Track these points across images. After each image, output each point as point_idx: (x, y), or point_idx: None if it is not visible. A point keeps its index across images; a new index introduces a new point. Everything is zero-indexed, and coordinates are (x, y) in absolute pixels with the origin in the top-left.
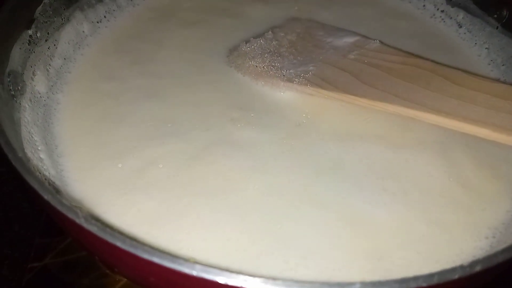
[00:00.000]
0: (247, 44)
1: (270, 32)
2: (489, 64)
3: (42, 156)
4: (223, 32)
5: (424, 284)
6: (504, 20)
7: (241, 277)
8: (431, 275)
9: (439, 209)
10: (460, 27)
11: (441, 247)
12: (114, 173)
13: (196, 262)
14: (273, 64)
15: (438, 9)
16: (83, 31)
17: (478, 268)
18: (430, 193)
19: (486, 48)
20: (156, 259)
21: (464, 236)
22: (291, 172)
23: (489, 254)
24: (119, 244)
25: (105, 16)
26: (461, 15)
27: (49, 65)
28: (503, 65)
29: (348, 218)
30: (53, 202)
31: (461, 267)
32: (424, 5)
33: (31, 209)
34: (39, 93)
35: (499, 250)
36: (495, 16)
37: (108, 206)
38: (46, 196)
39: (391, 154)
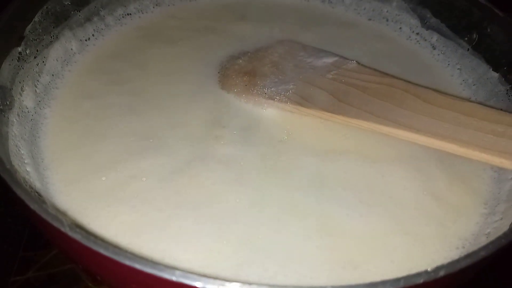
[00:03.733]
0: (231, 63)
1: (253, 52)
2: (461, 84)
3: (28, 169)
4: (208, 50)
5: None
6: (474, 43)
7: (218, 282)
8: (397, 280)
9: (412, 220)
10: (434, 48)
11: (414, 257)
12: (98, 186)
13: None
14: (255, 82)
15: (413, 32)
16: (71, 49)
17: (442, 273)
18: (404, 206)
19: (458, 68)
20: (137, 265)
21: (436, 247)
22: (272, 185)
23: (453, 260)
24: (102, 251)
25: (93, 35)
26: (435, 37)
27: (37, 81)
28: (474, 84)
29: (326, 228)
30: (39, 211)
31: (426, 272)
32: (400, 28)
33: (14, 223)
34: (27, 108)
35: (462, 256)
36: (466, 38)
37: (92, 218)
38: (32, 206)
39: (368, 169)
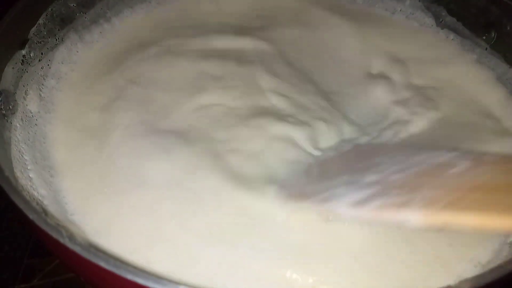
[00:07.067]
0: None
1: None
2: (479, 85)
3: (31, 175)
4: (214, 52)
5: None
6: (492, 42)
7: None
8: None
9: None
10: (450, 48)
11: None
12: (101, 196)
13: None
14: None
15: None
16: (77, 52)
17: None
18: None
19: (475, 68)
20: (140, 280)
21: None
22: None
23: (477, 274)
24: (102, 264)
25: (99, 37)
26: (451, 36)
27: (42, 84)
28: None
29: None
30: (38, 221)
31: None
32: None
33: (21, 229)
34: (31, 113)
35: (487, 270)
36: (484, 37)
37: (92, 226)
38: (31, 216)
39: None
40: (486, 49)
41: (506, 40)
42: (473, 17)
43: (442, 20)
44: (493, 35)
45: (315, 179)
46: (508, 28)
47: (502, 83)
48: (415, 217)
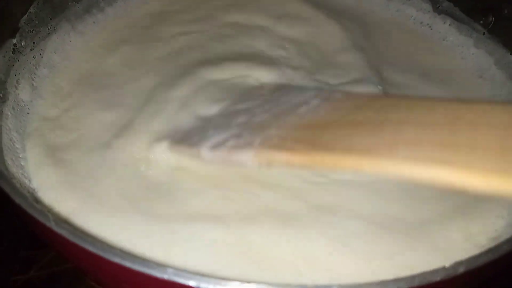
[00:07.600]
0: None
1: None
2: (477, 70)
3: (23, 163)
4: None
5: (405, 286)
6: (490, 26)
7: (213, 280)
8: (412, 277)
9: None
10: (447, 34)
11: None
12: (90, 186)
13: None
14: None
15: (425, 16)
16: (70, 41)
17: (461, 270)
18: None
19: (473, 53)
20: (127, 263)
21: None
22: None
23: (473, 255)
24: (89, 247)
25: (92, 27)
26: (448, 22)
27: (34, 74)
28: (490, 70)
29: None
30: (25, 205)
31: (444, 269)
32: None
33: (21, 223)
34: (23, 101)
35: (483, 251)
36: (481, 22)
37: (79, 213)
38: (17, 200)
39: None
40: (484, 33)
41: (504, 24)
42: (471, 1)
43: (439, 6)
44: (490, 19)
45: (206, 124)
46: (506, 12)
47: (501, 68)
48: (249, 156)
